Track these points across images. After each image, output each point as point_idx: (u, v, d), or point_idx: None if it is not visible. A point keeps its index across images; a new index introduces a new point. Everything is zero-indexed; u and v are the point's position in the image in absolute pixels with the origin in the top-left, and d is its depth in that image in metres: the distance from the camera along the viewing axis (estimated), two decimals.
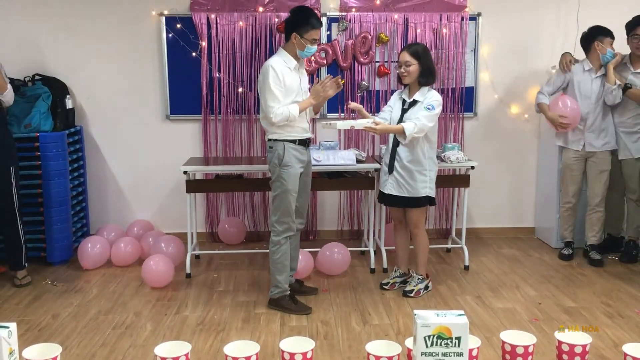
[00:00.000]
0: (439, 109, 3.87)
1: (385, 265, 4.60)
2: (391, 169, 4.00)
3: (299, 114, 3.67)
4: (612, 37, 4.56)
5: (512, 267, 4.71)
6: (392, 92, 5.17)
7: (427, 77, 3.89)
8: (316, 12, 4.91)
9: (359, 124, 3.80)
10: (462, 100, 5.26)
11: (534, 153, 5.47)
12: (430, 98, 3.87)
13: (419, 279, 4.14)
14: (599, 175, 4.70)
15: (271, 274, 3.88)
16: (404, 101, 3.98)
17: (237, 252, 5.01)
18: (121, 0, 5.02)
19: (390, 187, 4.02)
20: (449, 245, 5.12)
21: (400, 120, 3.91)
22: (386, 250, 4.69)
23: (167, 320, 3.73)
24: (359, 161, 4.57)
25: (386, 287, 4.22)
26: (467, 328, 1.77)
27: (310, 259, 4.40)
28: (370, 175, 4.63)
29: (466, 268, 4.65)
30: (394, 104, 4.05)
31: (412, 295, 4.07)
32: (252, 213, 5.38)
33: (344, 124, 3.85)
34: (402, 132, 3.79)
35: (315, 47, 3.73)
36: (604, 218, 4.79)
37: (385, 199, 4.10)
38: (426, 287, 4.16)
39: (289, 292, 3.87)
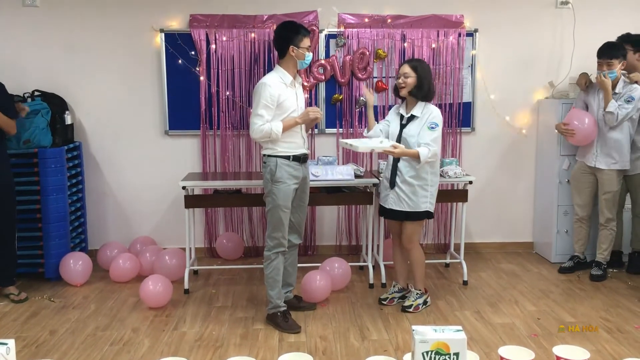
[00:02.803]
0: (441, 124, 3.92)
1: (383, 280, 4.59)
2: (392, 184, 4.02)
3: (282, 132, 3.68)
4: (602, 57, 4.48)
5: (511, 282, 4.71)
6: (390, 107, 5.21)
7: (420, 90, 3.90)
8: (313, 28, 4.98)
9: (380, 147, 3.84)
10: (459, 116, 5.28)
11: (531, 168, 5.49)
12: (430, 115, 3.89)
13: (417, 294, 4.13)
14: (603, 195, 4.70)
15: (266, 290, 3.89)
16: (401, 116, 4.01)
17: (235, 268, 5.00)
18: (120, 16, 5.06)
19: (391, 201, 4.04)
20: (448, 260, 5.12)
21: (400, 135, 3.94)
22: (385, 265, 4.68)
23: (165, 337, 3.72)
24: (357, 176, 4.58)
25: (385, 302, 4.21)
26: (465, 343, 1.76)
27: (328, 281, 4.28)
28: (368, 190, 4.63)
29: (465, 283, 4.65)
30: (391, 119, 4.08)
31: (410, 310, 4.06)
32: (251, 228, 5.38)
33: (365, 148, 3.88)
34: (417, 157, 3.84)
35: (311, 54, 3.81)
36: (613, 237, 4.75)
37: (386, 213, 4.12)
38: (425, 302, 4.15)
39: (283, 308, 3.86)
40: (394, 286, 4.28)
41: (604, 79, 4.45)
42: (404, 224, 4.07)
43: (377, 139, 3.96)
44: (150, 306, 4.17)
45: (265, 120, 3.66)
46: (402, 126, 3.97)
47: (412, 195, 3.94)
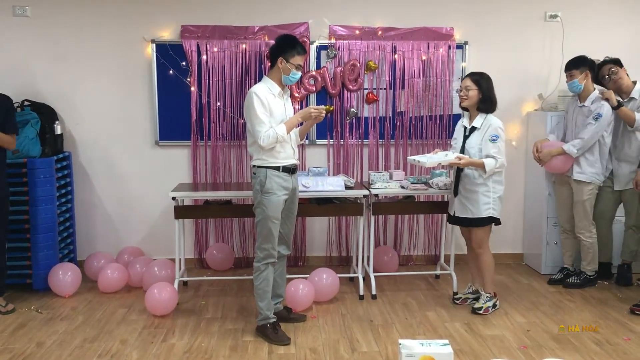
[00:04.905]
0: (503, 135, 4.06)
1: (374, 291, 4.58)
2: (456, 192, 4.19)
3: (287, 133, 3.69)
4: (566, 67, 4.63)
5: (501, 294, 4.69)
6: (381, 118, 5.24)
7: (489, 104, 4.07)
8: (304, 40, 5.00)
9: (446, 160, 4.02)
10: (449, 127, 5.30)
11: (521, 180, 5.51)
12: (490, 127, 4.04)
13: (487, 297, 4.27)
14: (575, 204, 4.74)
15: (255, 301, 3.88)
16: (464, 128, 4.18)
17: (225, 279, 4.98)
18: (111, 26, 5.06)
19: (455, 209, 4.22)
20: (438, 272, 5.12)
21: (463, 147, 4.12)
22: (375, 276, 4.67)
23: (154, 348, 3.69)
24: (347, 187, 4.58)
25: (457, 302, 4.40)
26: (452, 357, 1.77)
27: (311, 289, 4.32)
28: (359, 201, 4.64)
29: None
30: (457, 133, 4.26)
31: (481, 312, 4.22)
32: (241, 239, 5.36)
33: (432, 163, 4.03)
34: (483, 167, 3.98)
35: (299, 74, 3.78)
36: (594, 248, 4.74)
37: (450, 219, 4.32)
38: (494, 305, 4.29)
39: (273, 319, 3.85)
40: (469, 287, 4.46)
41: (611, 94, 4.53)
42: (472, 231, 4.22)
43: (442, 152, 4.15)
44: (155, 314, 4.18)
45: (269, 126, 3.66)
46: (465, 137, 4.14)
47: (474, 202, 4.10)
